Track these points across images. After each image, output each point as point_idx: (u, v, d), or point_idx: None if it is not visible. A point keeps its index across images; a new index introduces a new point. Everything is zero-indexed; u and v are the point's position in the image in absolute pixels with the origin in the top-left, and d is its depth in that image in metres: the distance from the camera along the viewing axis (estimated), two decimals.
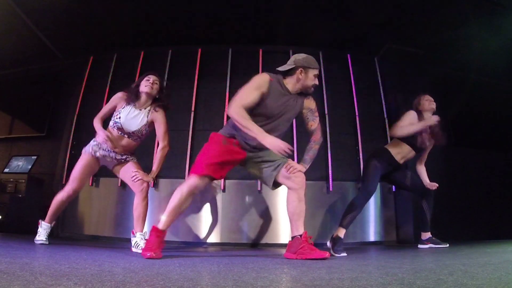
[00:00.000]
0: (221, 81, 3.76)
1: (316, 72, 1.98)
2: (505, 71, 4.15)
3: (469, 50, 3.87)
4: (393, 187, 3.58)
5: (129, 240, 2.34)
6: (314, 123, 2.05)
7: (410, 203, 3.40)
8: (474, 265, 1.38)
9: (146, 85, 2.29)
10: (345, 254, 2.15)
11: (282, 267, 1.43)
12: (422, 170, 2.75)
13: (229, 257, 1.92)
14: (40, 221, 2.43)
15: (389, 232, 3.51)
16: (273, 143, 1.75)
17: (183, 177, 3.36)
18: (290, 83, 1.98)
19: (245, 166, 2.05)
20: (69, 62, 4.28)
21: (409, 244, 3.22)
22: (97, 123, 2.32)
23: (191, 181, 1.84)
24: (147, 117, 2.32)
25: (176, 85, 3.80)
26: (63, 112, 4.05)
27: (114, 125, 2.28)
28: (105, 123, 2.39)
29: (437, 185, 2.64)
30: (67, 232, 3.49)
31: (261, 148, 1.94)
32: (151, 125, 2.35)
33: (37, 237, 2.36)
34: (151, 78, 2.33)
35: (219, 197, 3.37)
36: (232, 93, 3.66)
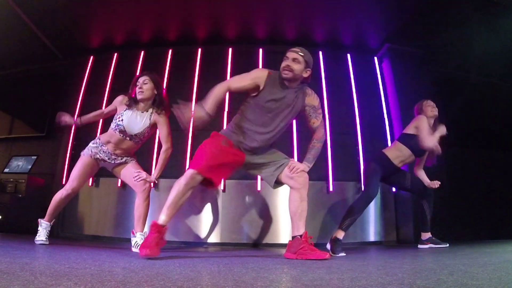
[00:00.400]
0: (221, 81, 3.74)
1: (286, 53, 1.97)
2: (505, 71, 4.15)
3: (469, 50, 3.87)
4: (393, 187, 3.58)
5: (129, 240, 2.34)
6: (316, 121, 2.02)
7: (410, 203, 3.40)
8: (474, 265, 1.38)
9: (137, 91, 2.29)
10: (344, 254, 2.15)
11: (282, 267, 1.43)
12: (421, 173, 2.75)
13: (229, 257, 1.92)
14: (39, 220, 2.42)
15: (389, 232, 3.51)
16: (187, 110, 1.77)
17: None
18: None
19: (246, 169, 2.04)
20: (69, 62, 4.28)
21: (409, 244, 3.21)
22: (92, 114, 2.46)
23: (188, 174, 1.82)
24: (150, 119, 2.32)
25: (176, 85, 3.80)
26: (63, 112, 4.04)
27: (117, 127, 2.28)
28: (107, 125, 2.40)
29: (439, 183, 2.63)
30: (67, 232, 3.49)
31: (259, 151, 1.94)
32: (153, 127, 2.35)
33: (37, 237, 2.36)
34: (139, 82, 2.30)
35: (219, 197, 3.37)
36: (232, 93, 3.69)
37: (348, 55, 4.00)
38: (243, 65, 3.85)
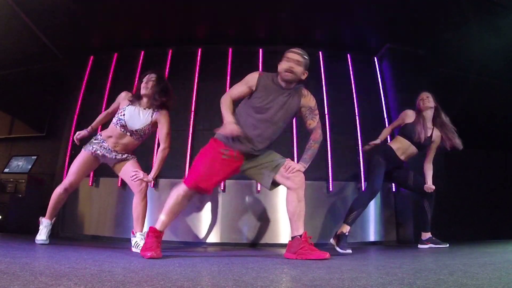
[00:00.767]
0: (221, 81, 3.76)
1: (287, 54, 1.96)
2: (505, 71, 4.15)
3: (469, 50, 3.87)
4: (393, 187, 3.58)
5: (129, 240, 2.34)
6: (313, 122, 2.02)
7: (410, 203, 3.40)
8: (474, 265, 1.38)
9: (143, 86, 2.31)
10: (350, 251, 2.15)
11: (282, 267, 1.43)
12: (428, 169, 2.71)
13: (229, 257, 1.92)
14: (40, 218, 2.43)
15: (389, 232, 3.51)
16: (226, 125, 1.83)
17: (183, 177, 3.35)
18: (280, 78, 1.96)
19: (243, 171, 2.02)
20: (69, 62, 4.29)
21: (409, 244, 3.21)
22: (99, 117, 2.46)
23: (185, 188, 1.85)
24: (151, 117, 2.32)
25: (176, 85, 3.79)
26: (63, 112, 4.05)
27: (118, 122, 2.29)
28: (107, 122, 2.41)
29: (434, 188, 2.62)
30: (67, 232, 3.49)
31: (258, 152, 1.94)
32: (154, 125, 2.36)
33: (37, 236, 2.36)
34: (146, 77, 2.33)
35: (219, 197, 3.37)
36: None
37: (348, 55, 4.00)
38: (243, 65, 3.86)
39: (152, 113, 2.33)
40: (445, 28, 3.64)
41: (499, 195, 3.94)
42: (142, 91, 2.30)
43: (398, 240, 3.48)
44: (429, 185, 2.64)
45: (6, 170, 3.87)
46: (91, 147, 2.33)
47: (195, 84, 3.79)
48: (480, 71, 4.18)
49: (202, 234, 3.30)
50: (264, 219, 3.32)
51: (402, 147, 2.63)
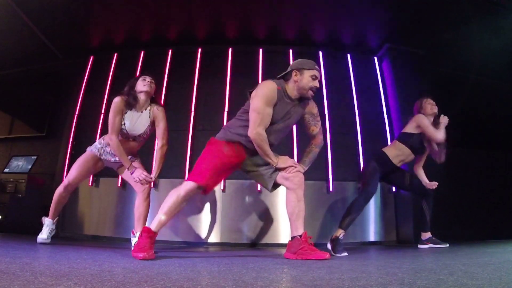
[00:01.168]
0: (221, 81, 3.76)
1: (312, 72, 1.92)
2: (505, 71, 4.15)
3: (469, 50, 3.87)
4: (393, 187, 3.58)
5: (129, 240, 2.34)
6: (316, 128, 2.06)
7: (410, 203, 3.40)
8: (474, 265, 1.38)
9: (145, 84, 2.28)
10: (346, 254, 2.15)
11: (282, 267, 1.43)
12: (420, 172, 2.75)
13: (229, 257, 1.92)
14: (43, 217, 2.45)
15: (389, 232, 3.51)
16: (284, 164, 1.91)
17: (183, 177, 3.36)
18: (290, 89, 1.95)
19: (243, 170, 2.06)
20: (69, 62, 4.28)
21: (409, 244, 3.21)
22: (119, 148, 2.19)
23: (188, 187, 1.83)
24: (149, 116, 2.32)
25: (176, 85, 3.80)
26: (63, 112, 4.05)
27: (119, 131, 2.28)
28: (106, 123, 2.39)
29: (437, 183, 2.63)
30: (67, 232, 3.49)
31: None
32: (153, 123, 2.36)
33: (39, 235, 2.37)
34: (147, 78, 2.32)
35: (219, 197, 3.37)
36: (232, 93, 3.70)
37: (348, 55, 4.00)
38: (243, 65, 3.86)
39: (149, 112, 2.32)
40: (445, 28, 3.64)
41: (499, 195, 3.93)
42: (144, 88, 2.26)
43: (398, 240, 3.47)
44: (430, 183, 2.64)
45: (6, 170, 3.87)
46: (96, 150, 2.33)
47: (195, 84, 3.79)
48: (480, 71, 4.18)
49: (202, 234, 3.29)
50: (264, 219, 3.32)
51: (401, 154, 2.59)
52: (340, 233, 2.29)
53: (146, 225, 1.86)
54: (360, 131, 3.70)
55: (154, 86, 2.34)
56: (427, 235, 2.67)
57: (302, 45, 3.98)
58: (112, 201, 3.52)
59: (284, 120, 1.96)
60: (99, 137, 2.41)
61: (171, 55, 3.94)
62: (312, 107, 2.06)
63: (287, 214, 1.93)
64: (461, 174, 3.82)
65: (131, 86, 2.31)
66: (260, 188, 3.33)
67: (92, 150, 2.35)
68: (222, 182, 3.35)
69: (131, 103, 2.25)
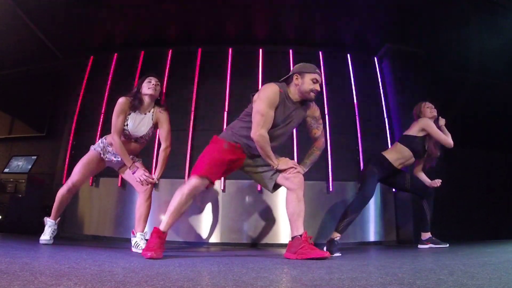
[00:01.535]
0: (221, 81, 3.76)
1: (313, 76, 1.94)
2: (505, 71, 4.15)
3: (469, 50, 3.87)
4: (393, 188, 3.58)
5: (129, 240, 2.34)
6: (318, 131, 2.08)
7: (410, 203, 3.40)
8: (474, 265, 1.38)
9: (149, 87, 2.27)
10: (339, 254, 2.14)
11: (282, 267, 1.43)
12: (421, 174, 2.74)
13: (229, 257, 1.92)
14: (45, 218, 2.45)
15: (389, 232, 3.51)
16: (285, 165, 1.92)
17: (183, 177, 3.37)
18: (291, 92, 1.98)
19: (244, 171, 2.07)
20: (69, 62, 4.29)
21: (409, 244, 3.21)
22: (121, 148, 2.18)
23: (192, 182, 1.84)
24: (152, 119, 2.32)
25: (176, 85, 3.80)
26: (63, 112, 4.05)
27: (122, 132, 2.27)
28: (106, 123, 2.38)
29: (440, 181, 2.61)
30: (67, 232, 3.49)
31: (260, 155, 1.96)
32: (156, 126, 2.36)
33: (42, 236, 2.37)
34: (153, 79, 2.30)
35: (219, 197, 3.37)
36: (232, 93, 3.70)
37: (348, 55, 4.00)
38: (243, 65, 3.86)
39: (153, 114, 2.32)
40: (445, 28, 3.64)
41: (499, 195, 3.94)
42: (149, 91, 2.26)
43: (398, 240, 3.48)
44: (432, 182, 2.63)
45: (6, 170, 3.87)
46: (99, 148, 2.33)
47: (195, 84, 3.79)
48: (480, 71, 4.18)
49: (202, 234, 3.30)
50: (264, 219, 3.32)
51: (402, 157, 2.58)
52: (336, 236, 2.28)
53: (154, 226, 1.84)
54: (360, 131, 3.70)
55: (159, 89, 2.33)
56: (427, 235, 2.66)
57: (302, 45, 3.98)
58: (112, 201, 3.52)
59: (286, 124, 1.97)
60: (100, 137, 2.40)
61: (171, 55, 3.94)
62: (314, 110, 2.07)
63: (287, 214, 1.94)
64: (461, 174, 3.82)
65: (138, 87, 2.30)
66: (260, 188, 3.33)
67: (96, 149, 2.35)
68: (222, 181, 3.35)
69: (135, 106, 2.25)
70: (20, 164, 3.92)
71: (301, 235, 1.83)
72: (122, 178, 3.42)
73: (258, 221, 3.32)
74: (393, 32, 3.78)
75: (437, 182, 2.62)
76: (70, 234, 3.47)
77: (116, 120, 2.20)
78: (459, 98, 4.02)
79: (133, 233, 2.26)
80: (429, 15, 3.49)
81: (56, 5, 3.39)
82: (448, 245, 2.61)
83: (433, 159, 2.64)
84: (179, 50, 3.98)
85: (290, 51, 3.89)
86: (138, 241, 2.18)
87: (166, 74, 3.85)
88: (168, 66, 3.89)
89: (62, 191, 2.38)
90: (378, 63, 4.06)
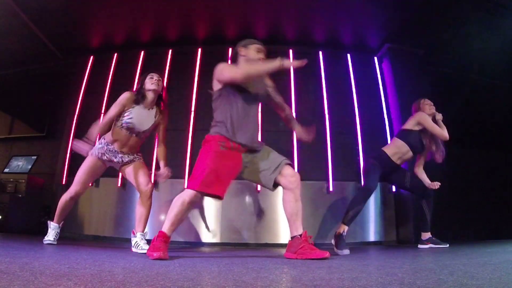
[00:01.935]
0: None
1: (257, 46, 2.04)
2: (505, 71, 4.15)
3: (469, 50, 3.87)
4: (393, 187, 3.58)
5: (129, 240, 2.34)
6: (277, 97, 2.13)
7: (410, 203, 3.40)
8: (474, 265, 1.38)
9: (152, 82, 2.31)
10: (347, 252, 2.16)
11: (282, 267, 1.43)
12: (421, 173, 2.75)
13: (229, 257, 1.92)
14: (48, 221, 2.47)
15: (389, 232, 3.51)
16: (289, 62, 1.80)
17: (183, 177, 3.37)
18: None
19: (244, 176, 2.00)
20: (69, 62, 4.29)
21: (409, 244, 3.21)
22: (96, 126, 2.25)
23: (191, 194, 1.78)
24: (155, 117, 2.35)
25: (176, 85, 3.80)
26: (63, 112, 4.05)
27: (124, 125, 2.27)
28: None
29: (439, 184, 2.63)
30: (67, 232, 3.48)
31: (255, 144, 1.94)
32: (157, 124, 2.39)
33: (45, 237, 2.39)
34: (155, 75, 2.35)
35: None
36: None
37: (348, 55, 4.00)
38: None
39: (156, 112, 2.35)
40: (445, 28, 3.64)
41: (499, 195, 3.94)
42: (152, 86, 2.29)
43: (398, 240, 3.48)
44: (431, 183, 2.63)
45: (6, 170, 3.88)
46: (97, 151, 2.32)
47: (195, 84, 3.79)
48: (480, 71, 4.18)
49: (202, 234, 3.30)
50: (264, 219, 3.32)
51: (399, 151, 2.61)
52: (343, 229, 2.32)
53: (160, 229, 1.81)
54: (360, 131, 3.70)
55: (162, 84, 2.38)
56: (427, 235, 2.67)
57: (302, 45, 3.98)
58: (112, 201, 3.52)
59: (252, 90, 1.99)
60: (99, 138, 2.39)
61: (171, 55, 3.94)
62: (267, 79, 2.13)
63: (285, 214, 1.93)
64: (461, 174, 3.82)
65: (142, 83, 2.34)
66: (260, 188, 3.33)
67: (94, 153, 2.32)
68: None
69: (139, 99, 2.29)
70: (20, 164, 3.92)
71: (300, 235, 1.83)
72: (122, 178, 3.43)
73: (258, 221, 3.32)
74: (393, 32, 3.78)
75: (436, 185, 2.62)
76: (70, 234, 3.47)
77: (112, 109, 2.26)
78: (459, 98, 4.02)
79: (134, 233, 2.26)
80: (429, 15, 3.49)
81: (56, 5, 3.39)
82: (448, 245, 2.61)
83: (437, 153, 2.64)
84: (179, 50, 3.98)
85: (290, 51, 3.89)
86: (138, 241, 2.18)
87: (166, 74, 3.85)
88: (168, 66, 3.89)
89: (64, 198, 2.37)
90: (378, 63, 4.06)
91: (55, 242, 2.37)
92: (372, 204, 3.49)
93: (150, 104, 2.33)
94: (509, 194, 3.97)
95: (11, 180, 3.56)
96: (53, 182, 3.75)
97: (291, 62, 1.79)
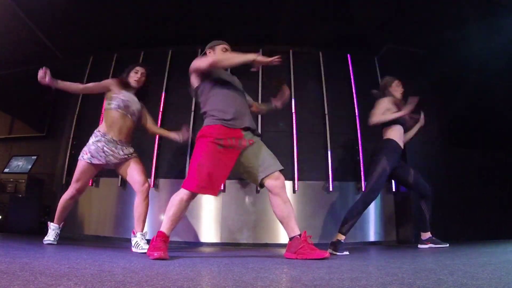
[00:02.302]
0: None
1: (223, 45, 2.17)
2: (505, 71, 4.15)
3: (469, 50, 3.87)
4: (393, 187, 3.58)
5: (129, 240, 2.34)
6: (250, 99, 2.27)
7: (410, 203, 3.40)
8: (474, 265, 1.38)
9: (135, 78, 2.44)
10: (347, 253, 2.16)
11: (282, 267, 1.43)
12: (409, 134, 2.84)
13: (229, 257, 1.92)
14: (49, 222, 2.47)
15: (389, 232, 3.51)
16: (264, 59, 1.85)
17: (183, 177, 3.36)
18: None
19: (238, 170, 1.98)
20: (69, 62, 4.29)
21: (409, 244, 3.21)
22: (68, 84, 2.50)
23: (187, 192, 1.80)
24: (139, 104, 2.50)
25: (176, 85, 3.80)
26: (63, 112, 4.05)
27: (120, 103, 2.35)
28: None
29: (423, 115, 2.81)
30: (67, 232, 3.48)
31: (251, 125, 1.96)
32: (141, 108, 2.52)
33: (45, 238, 2.39)
34: (139, 70, 2.46)
35: (219, 197, 3.37)
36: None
37: (348, 55, 4.00)
38: (243, 65, 3.85)
39: (139, 102, 2.50)
40: (445, 28, 3.63)
41: (499, 195, 3.93)
42: (134, 83, 2.44)
43: (398, 240, 3.48)
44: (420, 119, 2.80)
45: (6, 170, 3.87)
46: (87, 155, 2.29)
47: None
48: (480, 71, 4.18)
49: (202, 234, 3.30)
50: (264, 219, 3.32)
51: (399, 133, 2.66)
52: (340, 237, 2.29)
53: (159, 229, 1.81)
54: (360, 131, 3.69)
55: (144, 79, 2.50)
56: (427, 235, 2.67)
57: (302, 45, 3.98)
58: (112, 201, 3.52)
59: (229, 80, 2.10)
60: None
61: (171, 55, 3.94)
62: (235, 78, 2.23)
63: (277, 218, 1.91)
64: (461, 174, 3.82)
65: (126, 74, 2.47)
66: (260, 189, 3.33)
67: (83, 157, 2.30)
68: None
69: (122, 87, 2.42)
70: (20, 164, 3.92)
71: (300, 235, 1.83)
72: (122, 178, 3.43)
73: (258, 221, 3.32)
74: (393, 32, 3.77)
75: (422, 119, 2.80)
76: (70, 234, 3.47)
77: (92, 83, 2.48)
78: (459, 98, 4.02)
79: (134, 233, 2.26)
80: (429, 15, 3.48)
81: (56, 5, 3.39)
82: (448, 245, 2.61)
83: (411, 120, 2.76)
84: (179, 50, 3.98)
85: (290, 51, 3.89)
86: (139, 241, 2.18)
87: (166, 74, 3.85)
88: (168, 66, 3.89)
89: (65, 198, 2.38)
90: (378, 63, 4.05)
91: (55, 242, 2.38)
92: (372, 204, 3.46)
93: (133, 90, 2.47)
94: (509, 194, 3.97)
95: (11, 180, 3.56)
96: (53, 182, 3.75)
97: (265, 59, 1.84)
